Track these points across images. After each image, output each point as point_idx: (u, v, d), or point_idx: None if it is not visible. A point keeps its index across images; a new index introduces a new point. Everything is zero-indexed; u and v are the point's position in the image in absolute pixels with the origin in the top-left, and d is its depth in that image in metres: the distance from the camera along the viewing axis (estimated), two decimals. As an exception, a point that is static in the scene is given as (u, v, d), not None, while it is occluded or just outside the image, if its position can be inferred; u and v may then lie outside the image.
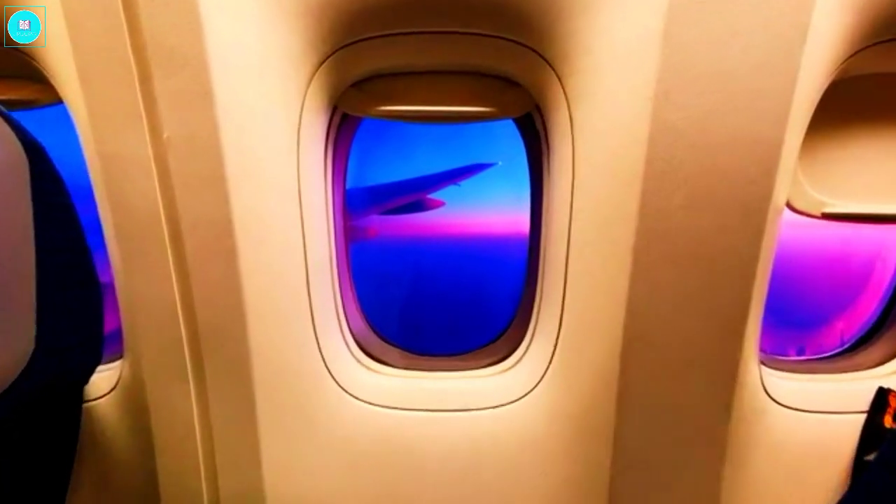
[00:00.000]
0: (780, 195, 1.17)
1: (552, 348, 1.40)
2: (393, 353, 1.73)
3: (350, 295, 1.70)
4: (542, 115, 1.43)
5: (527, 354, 1.59)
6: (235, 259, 1.24)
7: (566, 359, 1.37)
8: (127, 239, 1.29)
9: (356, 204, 3.73)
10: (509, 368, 1.62)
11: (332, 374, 1.50)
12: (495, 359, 1.68)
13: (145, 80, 1.14)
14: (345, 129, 1.55)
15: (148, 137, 1.18)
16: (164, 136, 1.12)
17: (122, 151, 1.21)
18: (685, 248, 1.15)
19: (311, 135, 1.35)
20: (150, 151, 1.18)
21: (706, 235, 1.14)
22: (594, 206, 1.25)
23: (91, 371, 1.33)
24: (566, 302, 1.33)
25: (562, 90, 1.26)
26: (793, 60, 1.08)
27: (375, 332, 1.77)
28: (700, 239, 1.14)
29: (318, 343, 1.46)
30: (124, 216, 1.27)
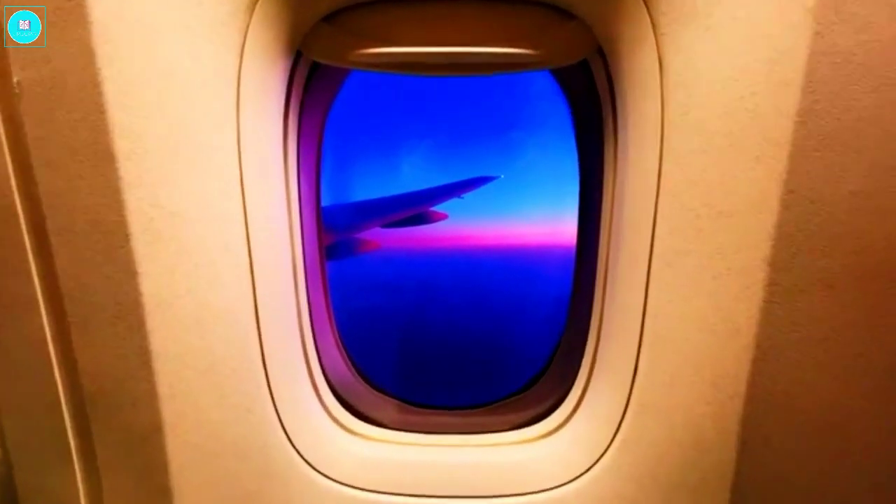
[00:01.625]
0: None
1: (622, 405, 1.03)
2: (386, 407, 1.31)
3: (327, 329, 1.25)
4: (605, 63, 1.02)
5: (579, 412, 1.17)
6: (134, 280, 0.83)
7: (647, 422, 1.00)
8: None
9: (356, 218, 3.48)
10: (553, 432, 1.20)
11: (295, 444, 1.08)
12: (530, 415, 1.26)
13: None
14: (318, 85, 1.12)
15: None
16: (14, 80, 0.77)
17: None
18: (853, 259, 0.80)
19: (261, 92, 0.94)
20: None
21: (889, 240, 0.78)
22: (699, 195, 0.85)
23: None
24: (646, 337, 0.97)
25: (647, 16, 0.86)
26: None
27: (362, 377, 1.32)
28: (878, 245, 0.79)
29: (272, 400, 1.04)
30: None
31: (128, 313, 0.85)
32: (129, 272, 0.82)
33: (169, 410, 0.91)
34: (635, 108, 0.95)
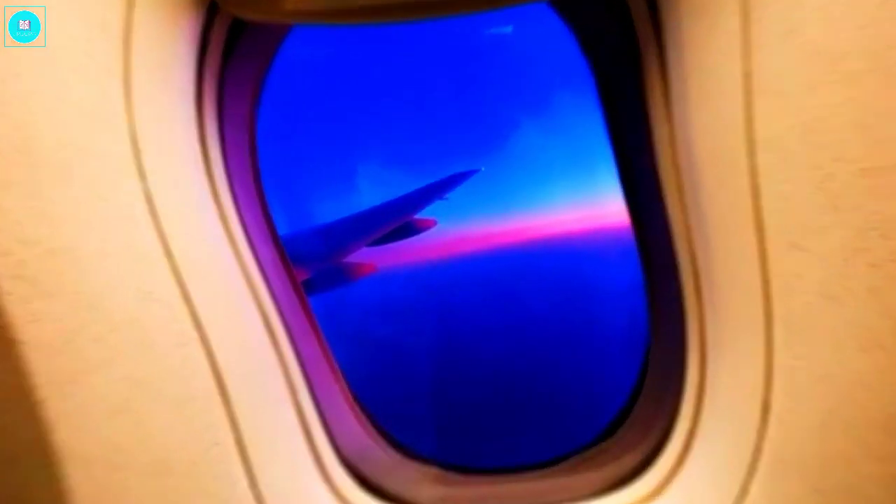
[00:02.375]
0: None
1: (748, 456, 0.78)
2: (421, 478, 1.01)
3: (331, 383, 0.99)
4: None
5: (687, 466, 0.91)
6: (14, 350, 0.56)
7: (787, 481, 0.75)
8: None
9: (335, 241, 3.22)
10: (654, 495, 0.92)
11: None
12: (617, 473, 0.97)
13: None
14: (243, 51, 0.87)
15: None
16: None
17: None
18: None
19: (160, 61, 0.71)
20: None
21: None
22: (825, 146, 0.62)
23: None
24: (778, 358, 0.72)
25: None
26: None
27: (386, 439, 1.03)
28: None
29: (257, 497, 0.77)
30: None
31: (14, 401, 0.57)
32: (4, 340, 0.55)
33: None
34: (698, 31, 0.73)
